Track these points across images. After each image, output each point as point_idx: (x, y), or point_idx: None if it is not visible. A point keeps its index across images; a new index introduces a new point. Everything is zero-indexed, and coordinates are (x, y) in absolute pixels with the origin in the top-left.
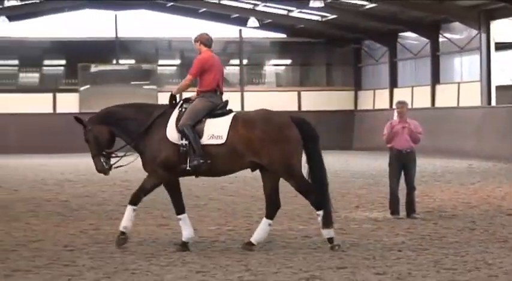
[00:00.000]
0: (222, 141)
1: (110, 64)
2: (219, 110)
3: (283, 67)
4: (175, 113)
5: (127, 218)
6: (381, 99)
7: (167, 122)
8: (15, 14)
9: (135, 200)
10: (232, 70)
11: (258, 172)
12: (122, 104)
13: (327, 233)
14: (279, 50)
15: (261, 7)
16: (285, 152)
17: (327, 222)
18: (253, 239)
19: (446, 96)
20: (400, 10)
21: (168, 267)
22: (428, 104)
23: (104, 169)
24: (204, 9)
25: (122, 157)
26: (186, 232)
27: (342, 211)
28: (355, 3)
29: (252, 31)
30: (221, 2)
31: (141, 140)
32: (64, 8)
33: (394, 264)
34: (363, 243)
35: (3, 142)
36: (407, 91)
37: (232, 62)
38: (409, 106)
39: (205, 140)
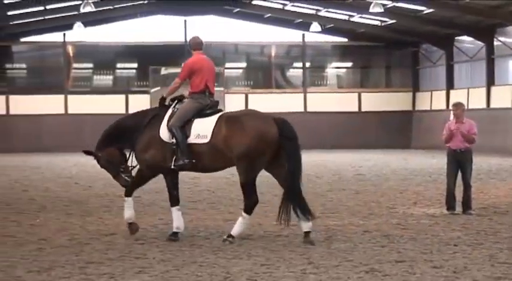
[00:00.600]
0: (206, 140)
1: (179, 67)
2: (208, 110)
3: (344, 70)
4: (168, 113)
5: (129, 211)
6: (438, 100)
7: (161, 121)
8: (90, 20)
9: (128, 192)
10: (295, 72)
11: (320, 170)
12: (118, 119)
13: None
14: (340, 54)
15: (323, 12)
16: (255, 150)
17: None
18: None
19: (500, 98)
20: (456, 15)
21: (234, 260)
22: (483, 105)
23: (127, 183)
24: (269, 15)
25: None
26: (176, 223)
27: (400, 207)
28: (414, 9)
29: (315, 35)
30: (285, 8)
31: (137, 139)
32: (136, 14)
33: (450, 258)
34: (421, 238)
35: (79, 141)
36: (463, 93)
37: (296, 64)
38: (465, 107)
39: (192, 139)
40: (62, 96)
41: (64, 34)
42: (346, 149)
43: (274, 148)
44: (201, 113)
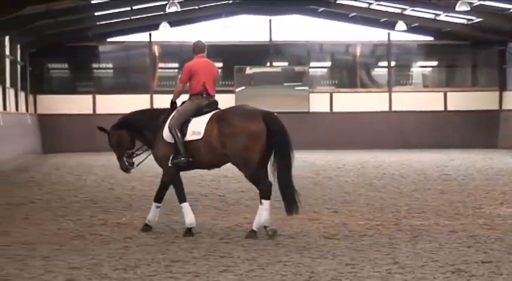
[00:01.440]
0: (199, 136)
1: (264, 66)
2: (205, 109)
3: (430, 69)
4: (171, 115)
5: (153, 214)
6: None
7: (166, 123)
8: (175, 20)
9: (158, 198)
10: (380, 72)
11: (405, 170)
12: (136, 111)
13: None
14: (425, 52)
15: (408, 11)
16: (243, 145)
17: (289, 213)
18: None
19: None
20: None
21: (319, 259)
22: None
23: (126, 168)
24: (354, 14)
25: (146, 157)
26: (188, 219)
27: (487, 207)
28: (501, 7)
29: (400, 34)
30: (370, 7)
31: (152, 140)
32: (221, 13)
33: None
34: (508, 238)
35: None
36: None
37: (381, 64)
38: None
39: (188, 136)
40: (147, 96)
41: (150, 34)
42: (431, 149)
43: (262, 143)
44: (199, 112)
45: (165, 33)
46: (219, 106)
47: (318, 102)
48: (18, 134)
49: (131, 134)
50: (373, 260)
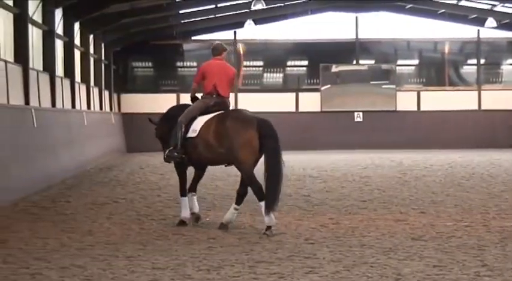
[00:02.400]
0: (195, 134)
1: (350, 64)
2: (211, 108)
3: None
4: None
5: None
6: None
7: None
8: (260, 18)
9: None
10: (469, 70)
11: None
12: (176, 105)
13: (268, 220)
14: None
15: (499, 7)
16: (236, 146)
17: (267, 210)
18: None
19: None
20: None
21: (406, 261)
22: None
23: (168, 159)
24: (443, 11)
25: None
26: (183, 213)
27: None
28: None
29: (490, 31)
30: (459, 3)
31: None
32: (307, 11)
33: None
34: None
35: None
36: None
37: (470, 61)
38: None
39: (189, 134)
40: (232, 95)
41: (235, 32)
42: None
43: (255, 148)
44: (205, 111)
45: (250, 31)
46: (229, 107)
47: (405, 101)
48: (102, 133)
49: (169, 127)
50: (461, 262)
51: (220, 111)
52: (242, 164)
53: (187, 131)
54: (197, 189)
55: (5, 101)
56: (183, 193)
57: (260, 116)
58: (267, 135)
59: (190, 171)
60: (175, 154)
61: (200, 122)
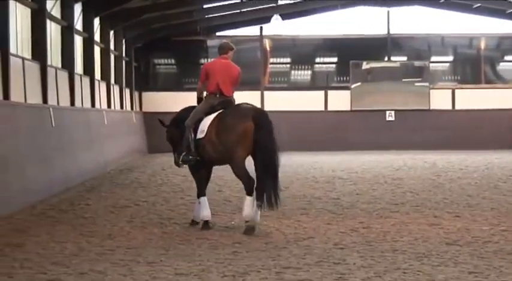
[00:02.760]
0: (203, 135)
1: (382, 61)
2: (216, 107)
3: None
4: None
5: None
6: None
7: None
8: (288, 12)
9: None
10: (507, 66)
11: None
12: (185, 107)
13: (252, 216)
14: None
15: None
16: (231, 141)
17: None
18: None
19: None
20: None
21: (440, 267)
22: None
23: (177, 163)
24: (479, 4)
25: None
26: (204, 212)
27: None
28: None
29: None
30: None
31: None
32: (336, 5)
33: None
34: None
35: (278, 139)
36: None
37: (507, 58)
38: None
39: (198, 135)
40: (258, 93)
41: (261, 27)
42: None
43: (250, 141)
44: (211, 111)
45: (277, 27)
46: (233, 104)
47: (439, 99)
48: (123, 133)
49: (180, 130)
50: (498, 268)
51: (222, 110)
52: (236, 158)
53: (196, 132)
54: (222, 191)
55: (22, 100)
56: (201, 193)
57: (258, 108)
58: (262, 127)
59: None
60: (190, 157)
61: (207, 122)
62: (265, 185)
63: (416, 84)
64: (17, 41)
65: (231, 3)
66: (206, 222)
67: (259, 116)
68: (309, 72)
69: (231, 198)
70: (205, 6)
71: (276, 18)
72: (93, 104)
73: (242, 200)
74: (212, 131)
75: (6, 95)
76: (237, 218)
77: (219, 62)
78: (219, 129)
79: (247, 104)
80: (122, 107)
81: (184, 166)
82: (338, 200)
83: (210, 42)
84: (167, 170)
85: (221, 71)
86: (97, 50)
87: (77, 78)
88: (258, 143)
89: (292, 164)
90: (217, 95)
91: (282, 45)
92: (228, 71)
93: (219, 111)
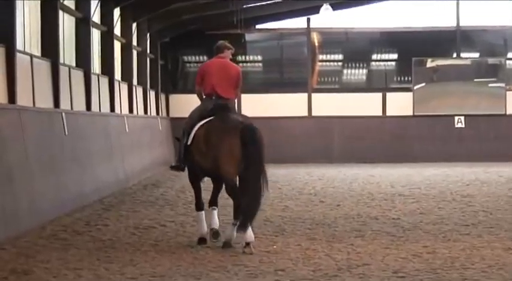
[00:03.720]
0: (191, 141)
1: (450, 58)
2: (210, 112)
3: None
4: None
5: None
6: None
7: None
8: (339, 2)
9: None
10: None
11: None
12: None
13: (247, 237)
14: None
15: None
16: (218, 154)
17: (241, 226)
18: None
19: None
20: None
21: None
22: None
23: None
24: None
25: None
26: (200, 229)
27: None
28: None
29: None
30: None
31: None
32: None
33: None
34: None
35: (324, 149)
36: None
37: None
38: None
39: (189, 141)
40: (304, 95)
41: (308, 19)
42: None
43: (237, 157)
44: (205, 115)
45: (327, 18)
46: (232, 109)
47: None
48: (146, 142)
49: None
50: None
51: (212, 117)
52: (225, 175)
53: (188, 138)
54: (262, 209)
55: (30, 104)
56: (198, 207)
57: (249, 121)
58: (249, 143)
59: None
60: (182, 165)
61: (196, 128)
62: (243, 205)
63: (490, 85)
64: (24, 36)
65: None
66: (202, 238)
67: (247, 131)
68: (365, 71)
69: (272, 218)
70: None
71: (325, 8)
72: (112, 109)
73: (285, 220)
74: (200, 138)
75: (12, 98)
76: (279, 241)
77: (215, 62)
78: (206, 139)
79: (237, 114)
80: (145, 112)
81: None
82: (398, 221)
83: (249, 37)
84: None
85: (217, 72)
86: (117, 46)
87: (93, 79)
88: (244, 161)
89: (344, 178)
90: (214, 98)
91: (332, 40)
92: (225, 71)
93: (210, 118)
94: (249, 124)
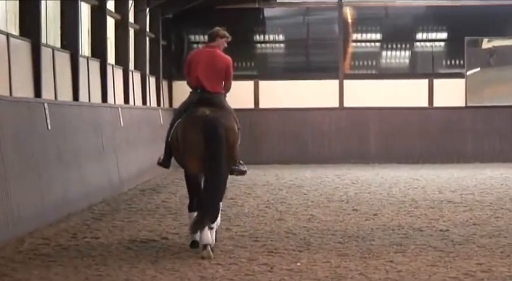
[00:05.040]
0: (170, 138)
1: (510, 38)
2: (195, 106)
3: None
4: None
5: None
6: None
7: None
8: None
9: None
10: None
11: None
12: None
13: (203, 237)
14: None
15: None
16: (183, 151)
17: (195, 224)
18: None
19: None
20: None
21: None
22: None
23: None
24: None
25: None
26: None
27: None
28: None
29: None
30: None
31: None
32: None
33: None
34: None
35: (359, 147)
36: None
37: None
38: None
39: (169, 137)
40: (335, 82)
41: None
42: None
43: (199, 153)
44: (187, 110)
45: None
46: (220, 104)
47: None
48: (145, 138)
49: None
50: None
51: (197, 110)
52: (188, 172)
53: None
54: (284, 219)
55: (6, 93)
56: (191, 207)
57: (215, 116)
58: (209, 139)
59: None
60: (167, 162)
61: (175, 124)
62: (204, 204)
63: None
64: None
65: None
66: (194, 242)
67: (208, 126)
68: (407, 53)
69: (296, 229)
70: None
71: None
72: (104, 99)
73: (311, 232)
74: (174, 135)
75: None
76: (304, 257)
77: (203, 52)
78: (177, 136)
79: (207, 107)
80: (144, 102)
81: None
82: (447, 233)
83: (269, 12)
84: None
85: (203, 63)
86: (110, 23)
87: (82, 62)
88: (208, 155)
89: (383, 182)
90: (199, 91)
91: (369, 16)
92: (212, 63)
93: (187, 113)
94: (211, 119)
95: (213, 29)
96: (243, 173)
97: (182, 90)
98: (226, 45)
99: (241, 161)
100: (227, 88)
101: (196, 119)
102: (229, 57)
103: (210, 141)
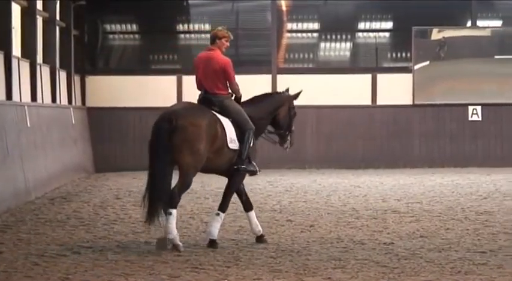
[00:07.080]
0: None
1: (463, 28)
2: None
3: None
4: None
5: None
6: None
7: None
8: None
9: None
10: None
11: None
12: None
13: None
14: None
15: None
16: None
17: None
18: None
19: None
20: None
21: None
22: None
23: None
24: None
25: None
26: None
27: None
28: None
29: None
30: None
31: None
32: None
33: None
34: None
35: (297, 149)
36: None
37: None
38: None
39: None
40: (267, 77)
41: None
42: None
43: (163, 142)
44: None
45: None
46: (215, 103)
47: None
48: (55, 140)
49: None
50: None
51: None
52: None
53: None
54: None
55: None
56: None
57: (177, 109)
58: (153, 130)
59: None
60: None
61: None
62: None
63: None
64: None
65: None
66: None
67: (173, 114)
68: (348, 45)
69: (223, 242)
70: None
71: None
72: (8, 96)
73: (240, 246)
74: None
75: None
76: (232, 273)
77: (202, 56)
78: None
79: (182, 103)
80: (54, 99)
81: None
82: (391, 246)
83: (193, 0)
84: (124, 199)
85: (202, 66)
86: (15, 10)
87: None
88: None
89: (320, 189)
90: (202, 93)
91: (306, 4)
92: (209, 65)
93: None
94: (169, 112)
95: (213, 30)
96: (253, 173)
97: (96, 87)
98: (228, 44)
99: (252, 161)
100: (233, 90)
101: (166, 112)
102: (226, 59)
103: (152, 132)
